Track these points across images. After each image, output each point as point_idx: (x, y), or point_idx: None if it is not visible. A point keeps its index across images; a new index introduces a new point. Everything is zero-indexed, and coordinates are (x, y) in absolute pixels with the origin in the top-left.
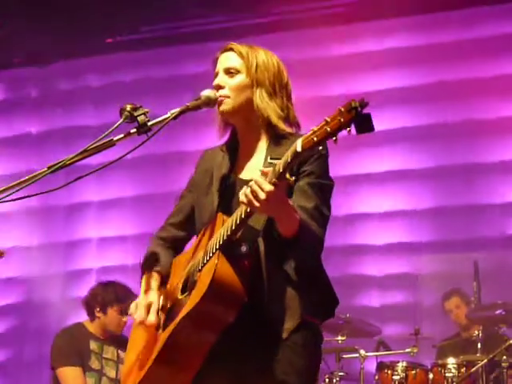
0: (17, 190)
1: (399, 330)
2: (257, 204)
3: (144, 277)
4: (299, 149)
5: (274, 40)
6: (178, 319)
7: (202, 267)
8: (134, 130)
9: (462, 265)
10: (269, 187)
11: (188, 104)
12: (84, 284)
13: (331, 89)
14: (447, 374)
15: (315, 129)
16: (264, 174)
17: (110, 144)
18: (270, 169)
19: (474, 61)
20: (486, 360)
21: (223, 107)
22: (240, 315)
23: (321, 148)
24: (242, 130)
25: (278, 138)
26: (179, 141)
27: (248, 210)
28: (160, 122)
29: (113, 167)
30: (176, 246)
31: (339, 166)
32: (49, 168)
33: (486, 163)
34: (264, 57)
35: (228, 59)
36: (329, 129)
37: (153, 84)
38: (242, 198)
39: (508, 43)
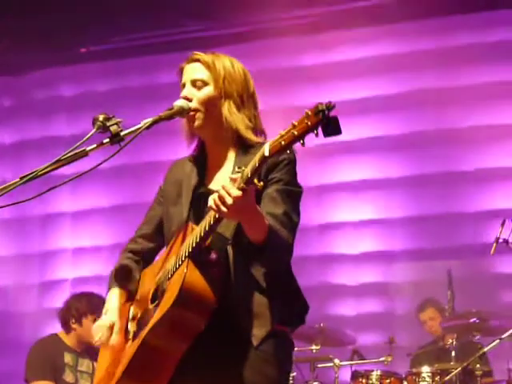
0: None
1: (374, 338)
2: (224, 209)
3: (109, 293)
4: (267, 153)
5: (252, 49)
6: (147, 328)
7: (171, 276)
8: (107, 140)
9: (436, 273)
10: (236, 192)
11: (161, 114)
12: (59, 294)
13: (307, 98)
14: (421, 383)
15: (282, 133)
16: (233, 180)
17: (83, 154)
18: (239, 175)
19: (448, 69)
20: (460, 368)
21: (196, 123)
22: (210, 323)
23: (288, 152)
24: (211, 142)
25: (245, 148)
26: (153, 150)
27: (216, 216)
28: (133, 131)
29: (86, 177)
30: (146, 258)
31: (314, 175)
32: (21, 178)
33: (460, 172)
34: (230, 66)
35: (194, 71)
36: (296, 132)
37: (127, 94)
38: (210, 203)
39: (484, 52)
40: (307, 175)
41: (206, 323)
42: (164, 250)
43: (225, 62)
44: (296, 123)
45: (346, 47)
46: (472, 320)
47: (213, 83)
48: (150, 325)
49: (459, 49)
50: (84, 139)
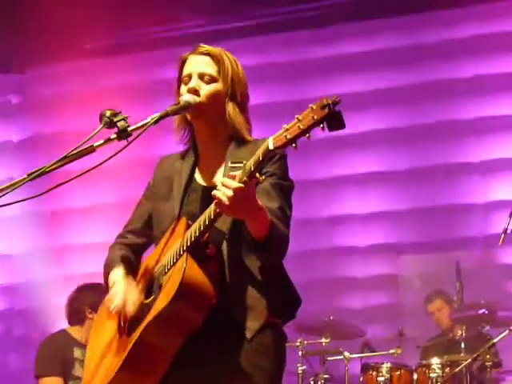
0: None
1: (383, 331)
2: (226, 202)
3: (111, 272)
4: (271, 147)
5: (259, 43)
6: (145, 322)
7: (167, 270)
8: (114, 135)
9: (445, 265)
10: (236, 185)
11: (167, 109)
12: (68, 290)
13: (312, 91)
14: (431, 375)
15: (287, 127)
16: (231, 177)
17: (90, 150)
18: (239, 172)
19: (454, 61)
20: (469, 360)
21: (199, 112)
22: (206, 317)
23: (294, 145)
24: (205, 136)
25: (238, 145)
26: (160, 145)
27: (217, 210)
28: (140, 127)
29: (94, 173)
30: (135, 253)
31: (321, 168)
32: (28, 175)
33: (467, 163)
34: (235, 65)
35: (203, 64)
36: (302, 126)
37: (133, 89)
38: (215, 196)
39: (490, 43)
40: (315, 168)
41: (204, 318)
42: (155, 246)
43: (230, 59)
44: (301, 117)
45: (355, 39)
46: (481, 311)
47: (221, 80)
48: (148, 319)
49: (462, 40)
50: (91, 135)
